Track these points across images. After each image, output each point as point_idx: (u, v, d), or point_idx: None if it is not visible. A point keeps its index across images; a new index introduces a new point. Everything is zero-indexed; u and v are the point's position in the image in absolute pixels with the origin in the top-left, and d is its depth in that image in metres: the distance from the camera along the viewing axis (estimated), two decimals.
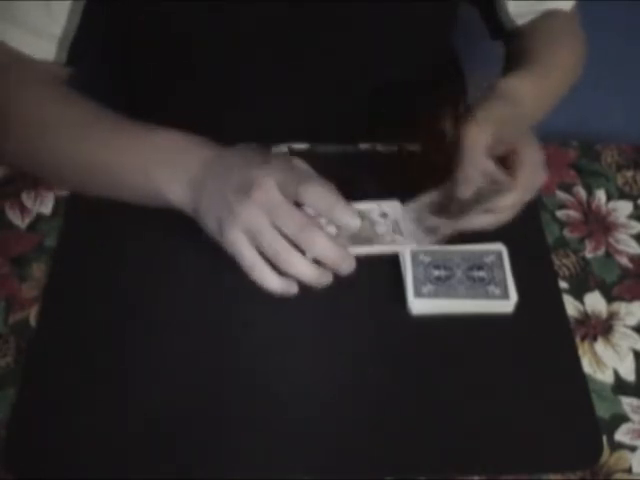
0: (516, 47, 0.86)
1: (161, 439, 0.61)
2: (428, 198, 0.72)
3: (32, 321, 0.68)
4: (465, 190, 0.67)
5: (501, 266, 0.70)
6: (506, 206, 0.69)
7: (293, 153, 0.82)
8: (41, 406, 0.63)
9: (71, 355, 0.66)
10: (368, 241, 0.70)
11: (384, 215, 0.72)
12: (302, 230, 0.61)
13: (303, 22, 0.79)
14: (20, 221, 0.75)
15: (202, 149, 0.69)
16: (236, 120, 0.87)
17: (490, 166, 0.67)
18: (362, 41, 0.83)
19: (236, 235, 0.62)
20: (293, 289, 0.62)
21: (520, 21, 0.87)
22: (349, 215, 0.62)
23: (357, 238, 0.69)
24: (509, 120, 0.69)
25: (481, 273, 0.70)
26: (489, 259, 0.71)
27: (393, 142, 0.84)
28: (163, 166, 0.69)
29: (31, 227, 0.75)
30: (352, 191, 0.78)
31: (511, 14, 0.87)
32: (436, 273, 0.70)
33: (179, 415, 0.62)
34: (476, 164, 0.66)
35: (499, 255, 0.71)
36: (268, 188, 0.62)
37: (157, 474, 0.60)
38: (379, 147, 0.84)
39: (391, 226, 0.71)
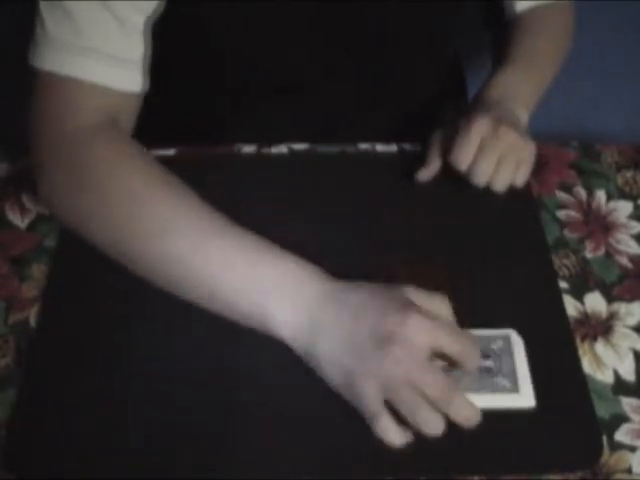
0: (511, 34, 0.89)
1: (161, 439, 0.61)
2: None
3: (32, 321, 0.68)
4: (425, 174, 0.78)
5: (510, 354, 0.64)
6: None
7: (293, 153, 0.82)
8: (41, 406, 0.63)
9: (71, 355, 0.66)
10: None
11: (500, 350, 0.65)
12: (443, 392, 0.59)
13: (318, 23, 0.79)
14: (20, 221, 0.75)
15: (319, 281, 0.64)
16: (238, 119, 0.87)
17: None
18: (367, 41, 0.83)
19: (369, 391, 0.60)
20: (409, 439, 0.60)
21: (520, 7, 0.90)
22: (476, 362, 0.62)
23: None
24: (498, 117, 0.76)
25: (488, 362, 0.64)
26: (497, 345, 0.65)
27: (393, 142, 0.84)
28: (275, 298, 0.64)
29: (31, 227, 0.75)
30: (352, 192, 0.79)
31: (516, 4, 0.90)
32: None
33: (179, 414, 0.62)
34: (437, 155, 0.78)
35: (507, 341, 0.65)
36: (408, 344, 0.59)
37: (157, 474, 0.60)
38: (379, 147, 0.84)
39: (501, 364, 0.64)
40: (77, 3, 0.68)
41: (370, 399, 0.60)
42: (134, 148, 0.72)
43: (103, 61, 0.70)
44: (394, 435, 0.60)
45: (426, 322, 0.60)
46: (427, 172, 0.78)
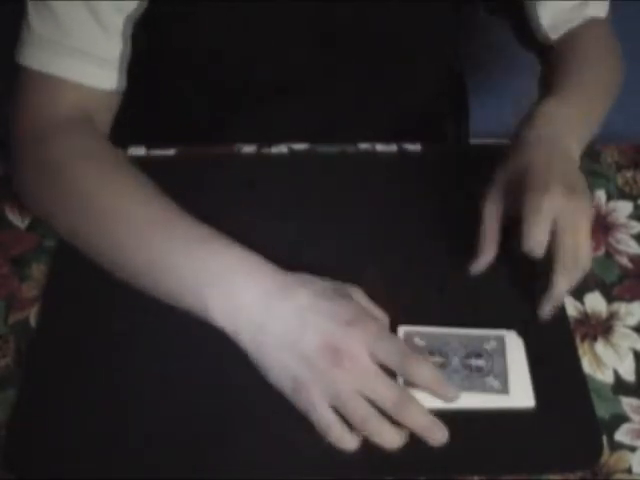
0: (552, 63, 0.82)
1: (161, 439, 0.61)
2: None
3: (32, 321, 0.68)
4: (478, 266, 0.69)
5: (503, 354, 0.64)
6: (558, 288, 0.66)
7: (293, 153, 0.82)
8: (41, 406, 0.63)
9: (71, 355, 0.66)
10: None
11: (493, 350, 0.64)
12: (397, 403, 0.58)
13: (318, 25, 0.79)
14: (20, 221, 0.75)
15: (263, 275, 0.63)
16: (238, 119, 0.87)
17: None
18: (367, 41, 0.83)
19: (318, 404, 0.59)
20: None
21: (554, 35, 0.83)
22: (424, 370, 0.59)
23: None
24: (543, 160, 0.69)
25: (479, 362, 0.64)
26: (489, 346, 0.65)
27: (393, 142, 0.84)
28: (215, 290, 0.63)
29: (31, 227, 0.75)
30: (352, 192, 0.79)
31: (545, 28, 0.83)
32: (429, 360, 0.63)
33: (178, 414, 0.62)
34: (493, 239, 0.69)
35: (501, 341, 0.65)
36: (359, 357, 0.58)
37: (157, 474, 0.60)
38: (379, 147, 0.84)
39: (493, 364, 0.63)
40: (60, 2, 0.70)
41: (319, 412, 0.59)
42: (100, 144, 0.73)
43: (80, 59, 0.72)
44: (350, 443, 0.59)
45: (369, 335, 0.59)
46: (480, 264, 0.69)
